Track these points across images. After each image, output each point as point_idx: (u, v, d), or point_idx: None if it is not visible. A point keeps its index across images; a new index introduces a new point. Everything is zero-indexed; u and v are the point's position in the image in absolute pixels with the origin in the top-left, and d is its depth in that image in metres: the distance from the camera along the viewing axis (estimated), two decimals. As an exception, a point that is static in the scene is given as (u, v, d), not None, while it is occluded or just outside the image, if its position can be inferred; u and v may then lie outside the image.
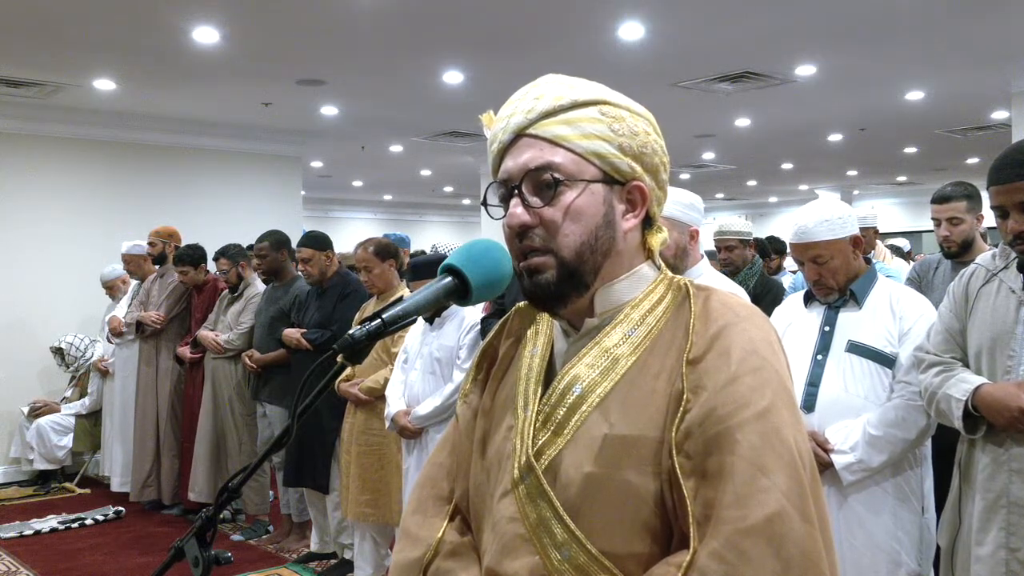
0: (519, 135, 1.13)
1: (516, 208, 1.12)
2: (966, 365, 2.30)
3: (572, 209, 1.10)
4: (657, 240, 1.19)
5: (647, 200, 1.16)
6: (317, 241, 4.62)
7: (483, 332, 3.52)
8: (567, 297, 1.13)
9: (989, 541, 2.15)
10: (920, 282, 3.53)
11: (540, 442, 1.11)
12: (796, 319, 2.63)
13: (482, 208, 1.22)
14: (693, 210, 2.64)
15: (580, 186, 1.11)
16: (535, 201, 1.11)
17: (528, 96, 1.15)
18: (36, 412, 6.65)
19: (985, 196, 3.42)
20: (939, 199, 3.43)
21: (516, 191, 1.12)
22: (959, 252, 3.38)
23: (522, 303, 1.26)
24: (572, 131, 1.11)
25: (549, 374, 1.18)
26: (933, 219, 3.47)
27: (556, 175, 1.10)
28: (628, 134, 1.13)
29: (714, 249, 5.16)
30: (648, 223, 1.18)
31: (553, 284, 1.11)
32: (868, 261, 2.66)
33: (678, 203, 2.60)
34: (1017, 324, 2.17)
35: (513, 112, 1.14)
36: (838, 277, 2.53)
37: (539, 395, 1.15)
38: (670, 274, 1.20)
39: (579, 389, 1.11)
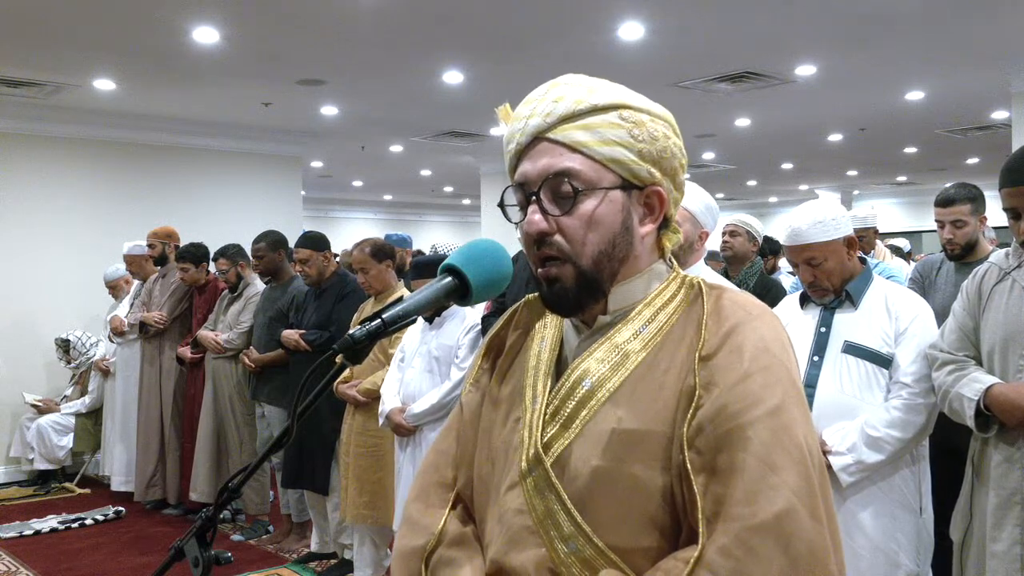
0: (537, 138, 1.13)
1: (534, 215, 1.12)
2: (980, 363, 2.31)
3: (591, 218, 1.11)
4: (672, 240, 1.19)
5: (665, 204, 1.16)
6: (315, 242, 4.62)
7: (484, 331, 3.52)
8: (584, 304, 1.14)
9: (1004, 538, 2.16)
10: (923, 282, 3.53)
11: (548, 435, 1.12)
12: (792, 320, 2.62)
13: (497, 209, 1.21)
14: (710, 213, 2.66)
15: (599, 194, 1.11)
16: (553, 209, 1.11)
17: (547, 97, 1.14)
18: (36, 407, 6.67)
19: (988, 197, 3.44)
20: (943, 202, 3.42)
21: (534, 197, 1.12)
22: (962, 254, 3.38)
23: (532, 296, 1.27)
24: (591, 137, 1.11)
25: (558, 368, 1.18)
26: (937, 221, 3.46)
27: (575, 184, 1.10)
28: (648, 139, 1.12)
29: (714, 250, 5.16)
30: (664, 224, 1.18)
31: (572, 293, 1.12)
32: (863, 261, 2.66)
33: (700, 201, 2.63)
34: None
35: (532, 113, 1.13)
36: (833, 279, 2.53)
37: (548, 388, 1.16)
38: (682, 272, 1.20)
39: (589, 384, 1.11)
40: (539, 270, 1.13)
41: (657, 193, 1.15)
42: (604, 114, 1.12)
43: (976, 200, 3.39)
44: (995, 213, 2.43)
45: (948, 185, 3.51)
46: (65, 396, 6.82)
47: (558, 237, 1.11)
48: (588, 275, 1.11)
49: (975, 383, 2.22)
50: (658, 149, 1.13)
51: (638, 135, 1.12)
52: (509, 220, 1.18)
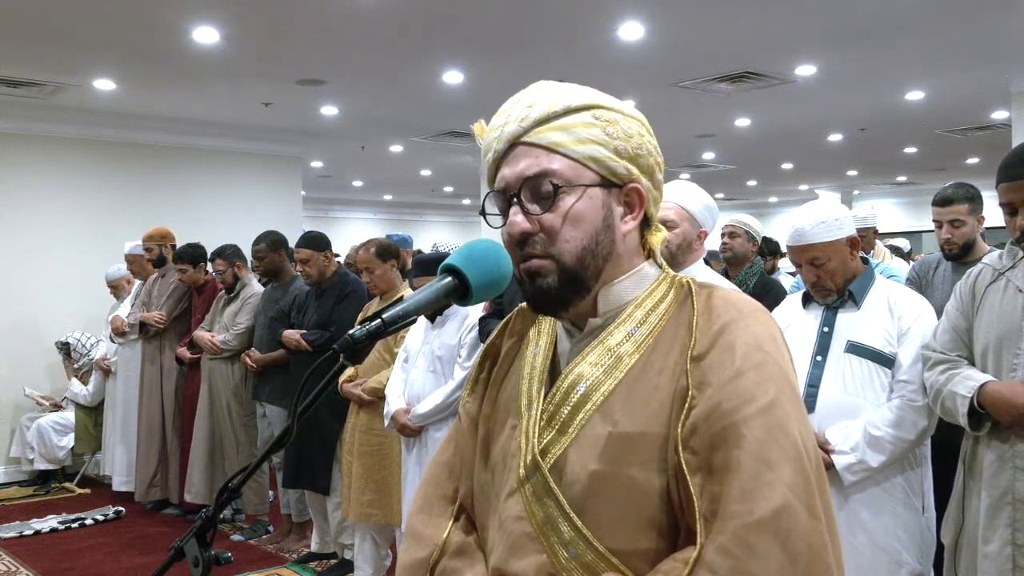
0: (514, 143, 1.13)
1: (516, 216, 1.12)
2: (972, 364, 2.30)
3: (571, 214, 1.11)
4: (657, 240, 1.19)
5: (644, 201, 1.16)
6: (315, 242, 4.62)
7: (481, 332, 3.52)
8: (569, 301, 1.13)
9: (996, 538, 2.16)
10: (920, 282, 3.53)
11: (545, 441, 1.12)
12: (794, 320, 2.63)
13: (480, 215, 1.22)
14: (709, 213, 2.67)
15: (578, 191, 1.11)
16: (534, 208, 1.12)
17: (520, 104, 1.15)
18: (39, 402, 6.68)
19: (985, 196, 3.44)
20: (940, 201, 3.42)
21: (515, 199, 1.13)
22: (960, 254, 3.38)
23: (524, 304, 1.27)
24: (567, 137, 1.11)
25: (553, 373, 1.18)
26: (934, 221, 3.46)
27: (554, 181, 1.11)
28: (623, 137, 1.13)
29: (715, 250, 5.15)
30: (646, 223, 1.19)
31: (555, 289, 1.12)
32: (865, 261, 2.66)
33: (699, 201, 2.64)
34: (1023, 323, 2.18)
35: (506, 121, 1.14)
36: (836, 279, 2.53)
37: (543, 394, 1.16)
38: (672, 272, 1.21)
39: (583, 388, 1.11)
40: (522, 265, 1.13)
41: (636, 190, 1.15)
42: (578, 114, 1.12)
43: (974, 200, 3.39)
44: (995, 213, 2.42)
45: (946, 185, 3.51)
46: (67, 396, 6.81)
47: (541, 235, 1.11)
48: (571, 271, 1.11)
49: (968, 381, 2.22)
50: (633, 146, 1.14)
51: (613, 133, 1.12)
52: (491, 227, 1.18)
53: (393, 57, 5.97)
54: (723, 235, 4.67)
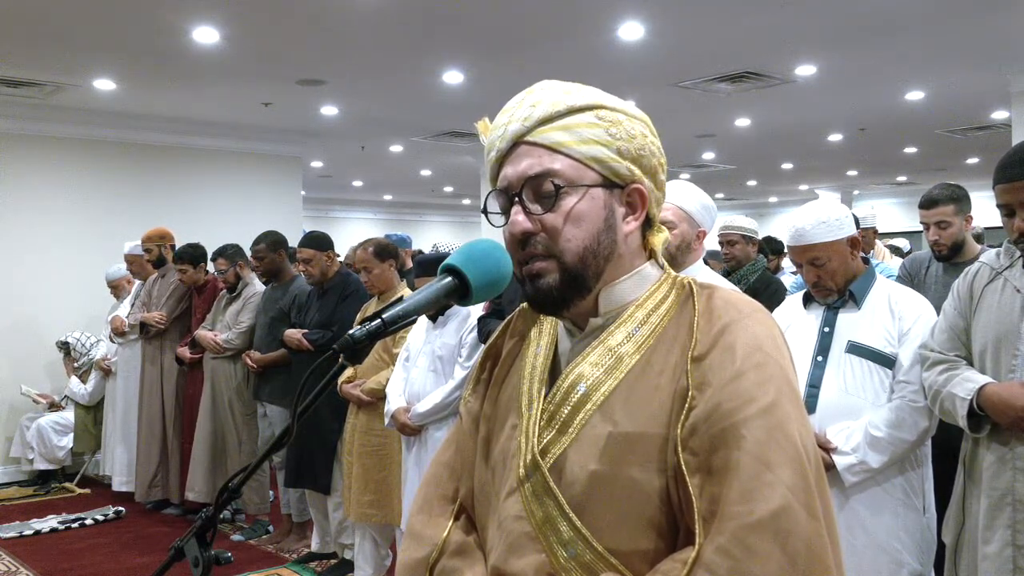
0: (517, 143, 1.13)
1: (518, 216, 1.12)
2: (970, 363, 2.30)
3: (573, 214, 1.11)
4: (659, 240, 1.19)
5: (647, 202, 1.16)
6: (318, 241, 4.63)
7: (479, 331, 3.53)
8: (570, 301, 1.13)
9: (996, 539, 2.16)
10: (912, 281, 3.52)
11: (545, 440, 1.12)
12: (795, 320, 2.62)
13: (482, 213, 1.22)
14: (707, 212, 2.67)
15: (580, 191, 1.11)
16: (536, 208, 1.12)
17: (524, 103, 1.15)
18: (37, 401, 6.69)
19: (975, 197, 3.44)
20: (926, 203, 3.42)
21: (517, 199, 1.13)
22: (949, 255, 3.38)
23: (525, 304, 1.27)
24: (570, 137, 1.12)
25: (553, 373, 1.18)
26: (922, 223, 3.46)
27: (556, 181, 1.11)
28: (625, 137, 1.13)
29: (715, 249, 5.16)
30: (648, 224, 1.19)
31: (556, 289, 1.12)
32: (866, 261, 2.66)
33: (697, 201, 2.64)
34: (1022, 323, 2.18)
35: (510, 120, 1.14)
36: (836, 278, 2.53)
37: (543, 394, 1.16)
38: (673, 273, 1.21)
39: (583, 388, 1.11)
40: (523, 268, 1.13)
41: (638, 191, 1.15)
42: (581, 114, 1.13)
43: (960, 200, 3.38)
44: (994, 213, 2.41)
45: (932, 186, 3.51)
46: (66, 395, 6.82)
47: (542, 235, 1.12)
48: (573, 271, 1.11)
49: (967, 382, 2.22)
50: (636, 147, 1.14)
51: (616, 133, 1.13)
52: (493, 225, 1.18)
53: (393, 57, 5.97)
54: (721, 244, 4.67)
